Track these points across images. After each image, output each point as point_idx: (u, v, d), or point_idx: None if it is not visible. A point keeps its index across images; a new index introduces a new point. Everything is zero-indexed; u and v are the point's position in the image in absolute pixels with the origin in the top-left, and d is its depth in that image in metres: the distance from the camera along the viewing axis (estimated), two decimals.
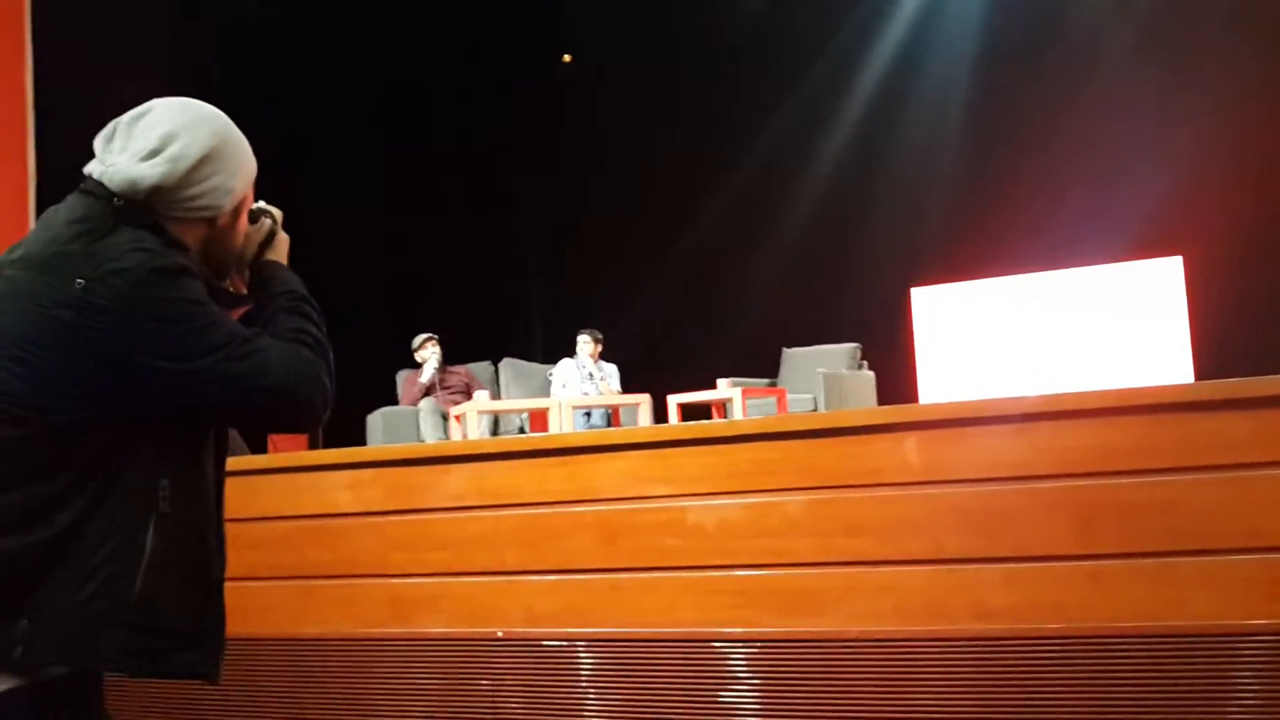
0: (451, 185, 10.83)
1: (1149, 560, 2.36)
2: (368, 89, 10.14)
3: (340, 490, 3.08)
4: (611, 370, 8.28)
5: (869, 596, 2.55)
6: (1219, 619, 2.31)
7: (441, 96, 10.56)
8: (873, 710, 2.54)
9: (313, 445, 7.09)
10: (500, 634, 2.89)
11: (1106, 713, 2.37)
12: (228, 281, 1.86)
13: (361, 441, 7.64)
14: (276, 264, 1.88)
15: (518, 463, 2.91)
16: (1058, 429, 2.45)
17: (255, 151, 1.82)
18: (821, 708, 2.58)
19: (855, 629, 2.55)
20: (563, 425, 6.90)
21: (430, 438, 7.49)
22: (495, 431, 7.83)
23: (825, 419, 2.70)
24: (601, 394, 7.94)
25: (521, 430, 7.94)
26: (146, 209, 1.67)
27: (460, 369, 8.37)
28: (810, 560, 2.61)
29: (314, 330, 1.77)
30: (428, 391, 8.07)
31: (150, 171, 1.67)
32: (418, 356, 8.32)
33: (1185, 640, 2.32)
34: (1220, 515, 2.32)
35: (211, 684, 1.71)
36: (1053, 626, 2.41)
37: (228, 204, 1.76)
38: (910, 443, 2.55)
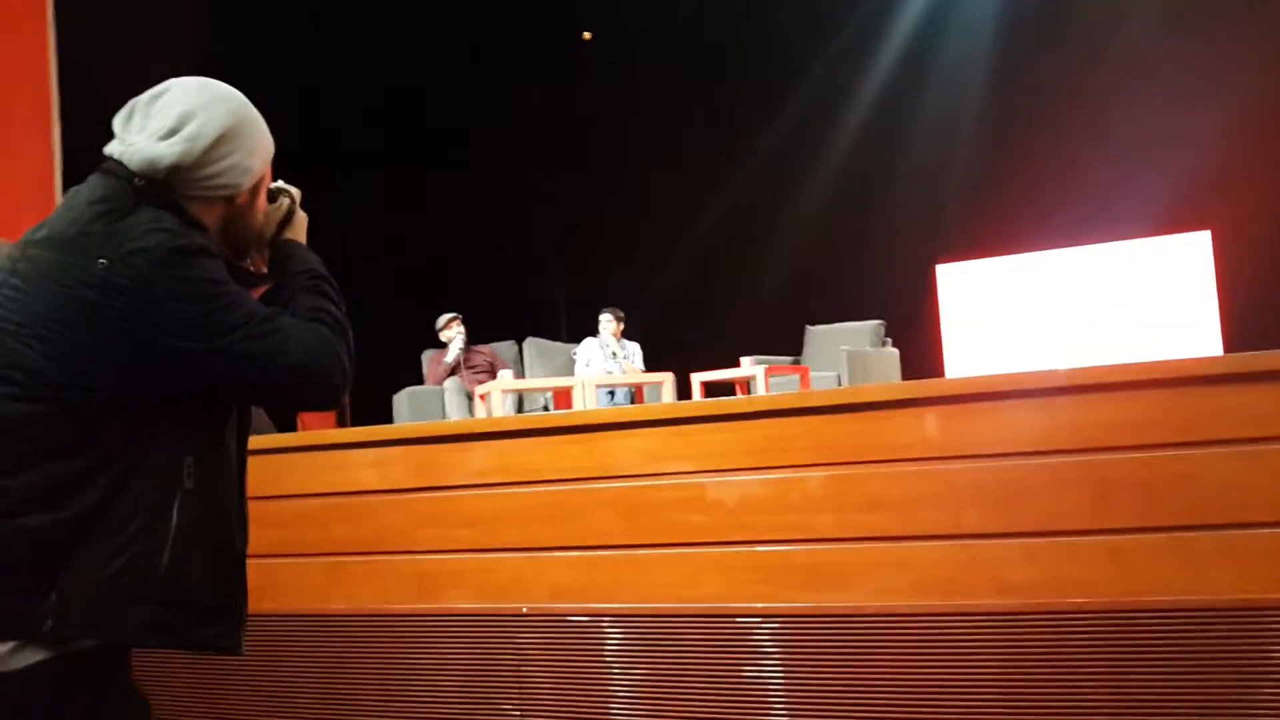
0: (473, 164, 10.85)
1: (1168, 534, 2.35)
2: (385, 67, 10.15)
3: (366, 468, 3.11)
4: (634, 349, 8.30)
5: (889, 572, 2.56)
6: (1240, 593, 2.30)
7: (461, 76, 10.56)
8: (893, 684, 2.55)
9: (341, 425, 7.15)
10: (525, 609, 2.92)
11: (1127, 686, 2.37)
12: (248, 261, 1.88)
13: (388, 421, 7.70)
14: (295, 243, 1.90)
15: (539, 440, 2.93)
16: (1076, 403, 2.45)
17: (275, 134, 1.84)
18: (843, 682, 2.60)
19: (875, 604, 2.57)
20: (586, 404, 6.93)
21: (455, 417, 7.53)
22: (520, 410, 7.87)
23: (844, 394, 2.70)
24: (625, 373, 7.95)
25: (546, 409, 7.97)
26: (166, 188, 1.69)
27: (484, 348, 8.42)
28: (830, 536, 2.62)
29: (333, 309, 1.79)
30: (453, 371, 8.11)
31: (168, 150, 1.69)
32: (443, 336, 8.36)
33: (1206, 614, 2.32)
34: (1240, 489, 2.31)
35: (234, 656, 1.75)
36: (1072, 601, 2.41)
37: (246, 182, 1.78)
38: (930, 418, 2.55)
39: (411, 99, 10.45)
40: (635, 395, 7.88)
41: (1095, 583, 2.40)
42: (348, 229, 9.19)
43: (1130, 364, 2.46)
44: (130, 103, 1.76)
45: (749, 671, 2.70)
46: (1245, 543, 2.31)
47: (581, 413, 3.68)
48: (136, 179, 1.68)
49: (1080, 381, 2.47)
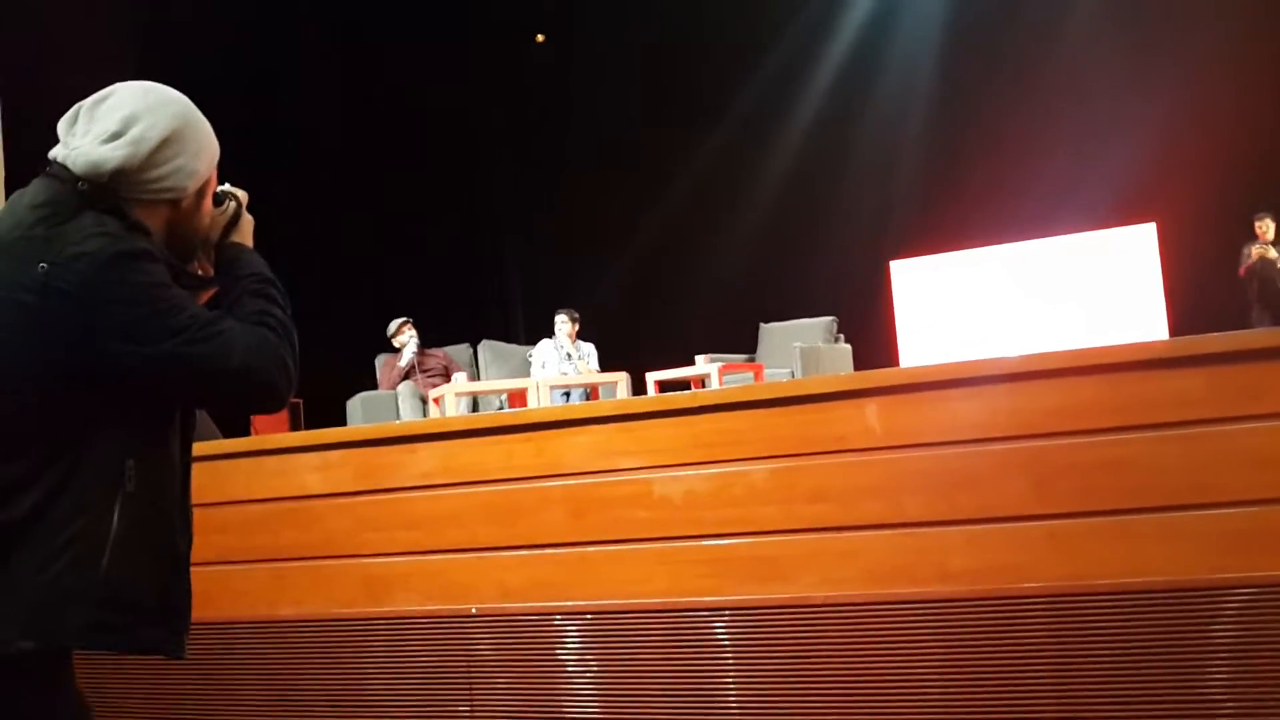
0: (427, 167, 10.81)
1: (1106, 518, 2.38)
2: (337, 68, 10.08)
3: (310, 472, 3.09)
4: (590, 350, 8.30)
5: (834, 561, 2.58)
6: (1176, 575, 2.33)
7: (415, 78, 10.52)
8: (842, 672, 2.57)
9: (294, 431, 7.09)
10: (474, 610, 2.91)
11: (1070, 669, 2.40)
12: (193, 264, 1.87)
13: (341, 427, 7.65)
14: (241, 246, 1.89)
15: (485, 440, 2.92)
16: (1014, 391, 2.47)
17: (224, 135, 1.84)
18: (793, 671, 2.62)
19: (821, 594, 2.58)
20: (541, 405, 6.92)
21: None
22: (474, 413, 7.84)
23: (787, 387, 2.71)
24: (580, 373, 7.96)
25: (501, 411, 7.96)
26: (110, 192, 1.68)
27: (439, 352, 8.39)
28: (775, 528, 2.63)
29: (278, 313, 1.79)
30: (406, 375, 8.08)
31: (113, 154, 1.68)
32: (395, 342, 8.33)
33: (1146, 596, 2.35)
34: (1175, 472, 2.35)
35: (176, 660, 1.74)
36: (1014, 586, 2.43)
37: (191, 186, 1.77)
38: (871, 409, 2.57)
39: (365, 100, 10.39)
40: (590, 396, 7.88)
41: (1036, 567, 2.42)
42: (300, 233, 9.12)
43: (1067, 351, 2.49)
44: (75, 107, 1.76)
45: (701, 664, 2.71)
46: (1180, 524, 2.35)
47: (529, 411, 3.68)
48: (80, 183, 1.67)
49: (1019, 369, 2.50)
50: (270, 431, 7.35)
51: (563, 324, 8.22)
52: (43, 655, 1.64)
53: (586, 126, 10.82)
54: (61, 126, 1.75)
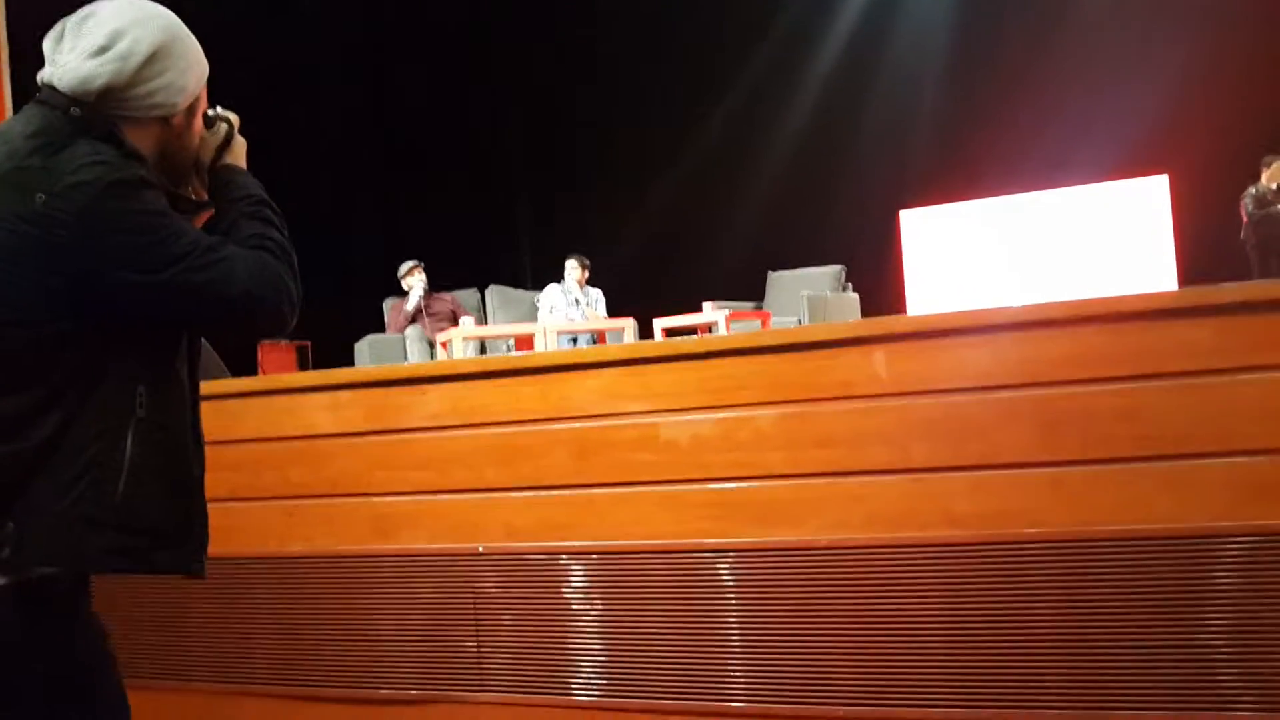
0: (440, 111, 10.74)
1: (1112, 466, 2.39)
2: (353, 12, 9.99)
3: (320, 411, 3.11)
4: (597, 295, 8.31)
5: (840, 506, 2.60)
6: (1180, 522, 2.35)
7: (429, 18, 10.42)
8: (846, 615, 2.59)
9: (303, 371, 7.11)
10: (481, 549, 2.94)
11: (1073, 613, 2.42)
12: (188, 188, 1.86)
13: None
14: (235, 168, 1.88)
15: (493, 382, 2.94)
16: (1022, 339, 2.47)
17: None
18: (796, 615, 2.64)
19: (826, 538, 2.60)
20: (548, 350, 6.94)
21: None
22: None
23: (795, 333, 2.72)
24: (587, 319, 7.97)
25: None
26: (102, 117, 1.67)
27: (447, 296, 8.40)
28: (782, 472, 2.64)
29: (276, 235, 1.78)
30: (414, 319, 8.10)
31: (100, 69, 1.67)
32: (404, 284, 8.34)
33: (1147, 543, 2.37)
34: (1183, 421, 2.35)
35: (197, 580, 1.77)
36: (1018, 532, 2.45)
37: (181, 102, 1.76)
38: (879, 355, 2.57)
39: (375, 40, 10.30)
40: (597, 341, 7.90)
41: (1040, 513, 2.44)
42: (311, 174, 9.09)
43: (1074, 300, 2.48)
44: (59, 23, 1.73)
45: (705, 606, 2.74)
46: (1187, 473, 2.35)
47: (537, 354, 3.69)
48: (72, 108, 1.66)
49: (1026, 318, 2.50)
50: (278, 372, 7.38)
51: (572, 269, 8.21)
52: (63, 581, 1.67)
53: (602, 73, 10.72)
54: (47, 45, 1.73)
